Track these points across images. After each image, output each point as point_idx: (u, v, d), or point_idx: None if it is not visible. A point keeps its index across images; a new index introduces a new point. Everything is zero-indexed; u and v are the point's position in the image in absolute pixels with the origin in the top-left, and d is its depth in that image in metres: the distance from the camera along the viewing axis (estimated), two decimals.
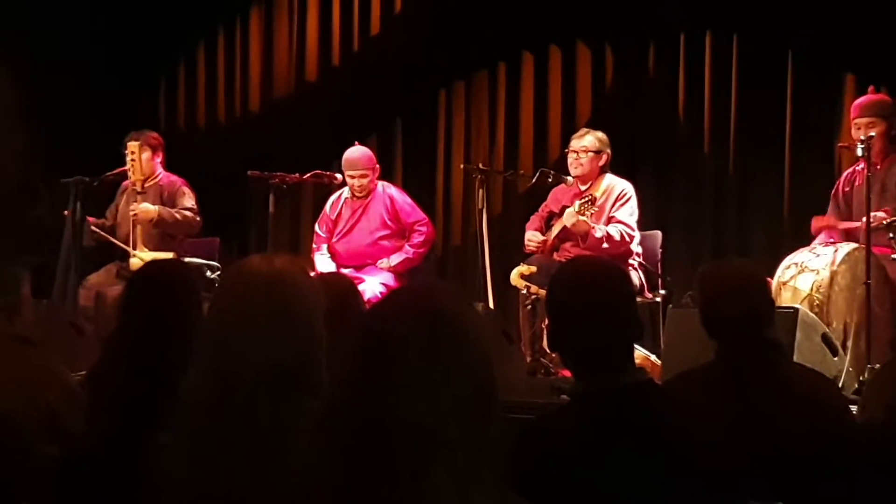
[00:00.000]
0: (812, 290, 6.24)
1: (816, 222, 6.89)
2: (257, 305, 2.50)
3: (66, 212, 7.36)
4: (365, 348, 1.82)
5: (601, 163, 7.33)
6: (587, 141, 7.34)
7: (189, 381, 2.53)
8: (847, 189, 6.80)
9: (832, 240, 6.61)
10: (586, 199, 7.01)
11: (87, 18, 9.33)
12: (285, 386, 2.46)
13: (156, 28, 9.78)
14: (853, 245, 6.38)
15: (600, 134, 7.40)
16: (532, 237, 7.44)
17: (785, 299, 6.21)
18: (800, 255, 6.48)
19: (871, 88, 6.84)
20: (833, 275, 6.24)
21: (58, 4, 8.97)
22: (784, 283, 6.34)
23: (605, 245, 7.01)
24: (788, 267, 6.43)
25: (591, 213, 7.01)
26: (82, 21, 9.27)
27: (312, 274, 2.90)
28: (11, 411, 3.17)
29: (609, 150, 7.36)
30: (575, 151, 7.35)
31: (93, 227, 7.63)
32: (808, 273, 6.31)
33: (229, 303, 2.54)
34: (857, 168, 6.71)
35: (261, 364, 2.45)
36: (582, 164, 7.31)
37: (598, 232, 7.05)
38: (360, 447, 1.76)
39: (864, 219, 6.15)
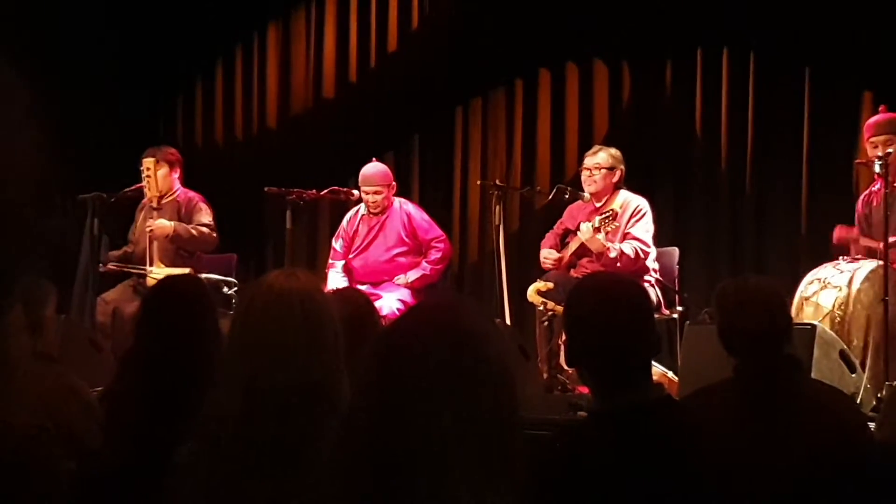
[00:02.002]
0: (834, 306, 6.22)
1: (839, 231, 6.86)
2: (290, 322, 2.51)
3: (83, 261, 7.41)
4: (385, 363, 1.82)
5: (615, 179, 7.32)
6: (600, 158, 7.34)
7: (215, 397, 2.54)
8: (865, 210, 6.78)
9: (858, 256, 6.59)
10: (607, 214, 7.00)
11: (106, 36, 9.37)
12: (312, 403, 2.47)
13: (174, 45, 9.83)
14: (875, 262, 6.37)
15: (613, 150, 7.40)
16: (548, 255, 7.44)
17: (807, 315, 6.20)
18: (823, 271, 6.46)
19: (882, 108, 6.82)
20: (855, 292, 6.23)
21: (78, 21, 9.01)
22: (807, 299, 6.33)
23: (618, 264, 7.00)
24: (811, 282, 6.41)
25: (612, 229, 7.00)
26: (102, 39, 9.31)
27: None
28: (31, 426, 3.18)
29: (623, 167, 7.35)
30: (588, 169, 7.35)
31: (112, 265, 7.65)
32: (830, 289, 6.30)
33: (260, 319, 2.55)
34: (873, 189, 6.70)
35: (291, 380, 2.46)
36: (595, 181, 7.30)
37: (612, 252, 7.03)
38: (378, 462, 1.76)
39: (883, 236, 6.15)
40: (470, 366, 1.77)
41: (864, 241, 6.69)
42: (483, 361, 1.79)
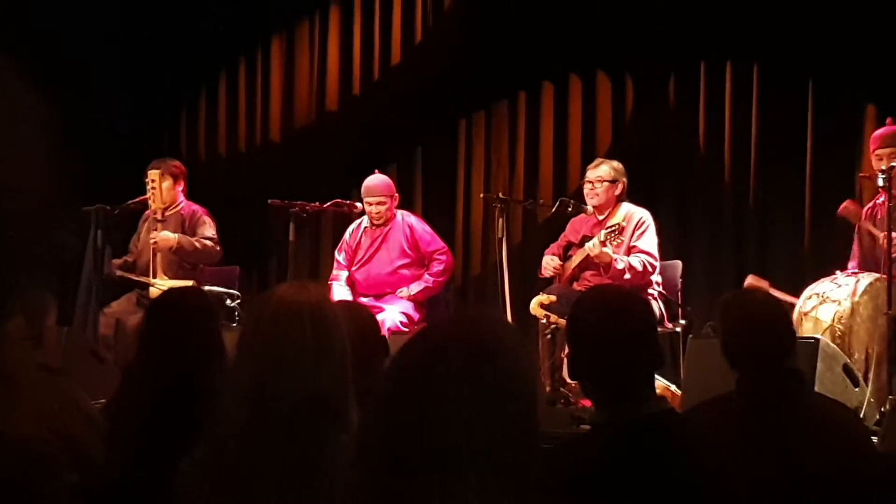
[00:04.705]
0: (833, 320, 6.21)
1: (849, 204, 6.85)
2: (299, 334, 2.51)
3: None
4: (410, 367, 1.81)
5: (617, 192, 7.33)
6: (602, 171, 7.35)
7: (222, 406, 2.54)
8: (870, 222, 6.77)
9: (855, 270, 6.58)
10: (612, 228, 7.00)
11: (109, 48, 9.38)
12: (319, 415, 2.47)
13: (178, 58, 9.84)
14: (874, 275, 6.37)
15: (615, 163, 7.40)
16: (549, 261, 7.44)
17: (806, 329, 6.19)
18: (821, 286, 6.46)
19: (889, 120, 6.83)
20: (854, 305, 6.22)
21: (81, 33, 9.02)
22: (805, 314, 6.33)
23: (626, 276, 7.00)
24: (810, 297, 6.41)
25: (618, 243, 7.01)
26: (105, 51, 9.32)
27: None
28: (33, 438, 3.18)
29: (625, 179, 7.36)
30: (590, 181, 7.35)
31: (117, 273, 7.65)
32: (829, 304, 6.29)
33: (269, 331, 2.55)
34: (877, 202, 6.70)
35: (299, 392, 2.46)
36: (598, 194, 7.31)
37: (620, 263, 7.03)
38: (394, 463, 1.75)
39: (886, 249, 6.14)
40: (493, 378, 1.77)
41: (867, 226, 6.67)
42: (507, 375, 1.78)
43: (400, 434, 1.76)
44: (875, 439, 4.09)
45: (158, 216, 7.65)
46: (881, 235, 6.44)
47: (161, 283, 7.35)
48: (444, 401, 1.74)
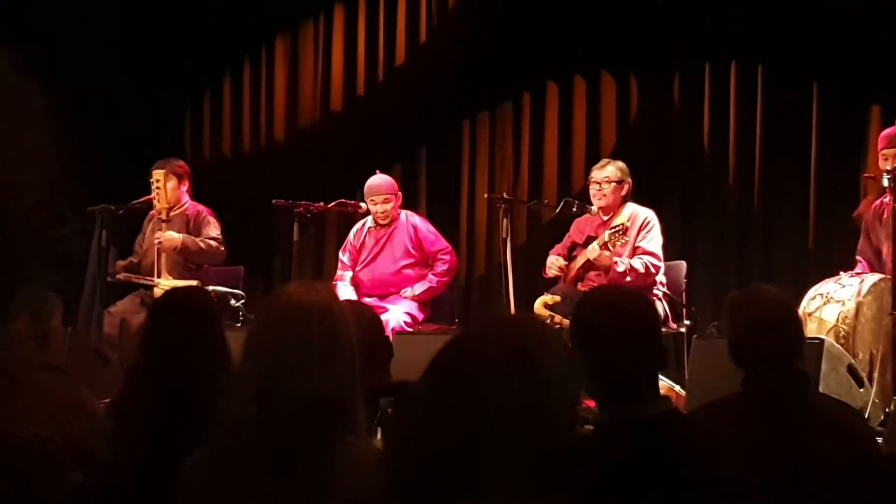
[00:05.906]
0: (838, 321, 6.21)
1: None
2: (307, 334, 2.51)
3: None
4: (449, 378, 1.81)
5: (623, 192, 7.33)
6: (609, 171, 7.35)
7: (229, 407, 2.53)
8: (875, 221, 6.77)
9: (859, 271, 6.58)
10: (616, 228, 6.99)
11: (115, 48, 9.38)
12: (326, 415, 2.46)
13: (182, 58, 9.84)
14: (879, 276, 6.36)
15: (620, 164, 7.40)
16: (553, 262, 7.43)
17: (811, 330, 6.19)
18: (825, 286, 6.46)
19: None
20: (859, 306, 6.22)
21: (85, 33, 9.03)
22: (809, 314, 6.32)
23: (628, 279, 6.99)
24: (814, 298, 6.41)
25: (622, 243, 7.00)
26: (111, 51, 9.33)
27: None
28: (38, 437, 3.19)
29: (630, 180, 7.36)
30: (597, 182, 7.35)
31: (120, 276, 7.66)
32: (833, 304, 6.29)
33: (277, 330, 2.55)
34: (884, 200, 6.69)
35: (306, 392, 2.46)
36: (605, 195, 7.30)
37: (621, 266, 7.02)
38: (422, 456, 1.76)
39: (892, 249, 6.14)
40: (534, 381, 1.77)
41: (879, 237, 6.67)
42: (547, 379, 1.78)
43: (436, 435, 1.75)
44: (880, 440, 4.08)
45: (163, 216, 7.65)
46: (885, 251, 6.43)
47: (165, 284, 7.35)
48: (483, 403, 1.74)
